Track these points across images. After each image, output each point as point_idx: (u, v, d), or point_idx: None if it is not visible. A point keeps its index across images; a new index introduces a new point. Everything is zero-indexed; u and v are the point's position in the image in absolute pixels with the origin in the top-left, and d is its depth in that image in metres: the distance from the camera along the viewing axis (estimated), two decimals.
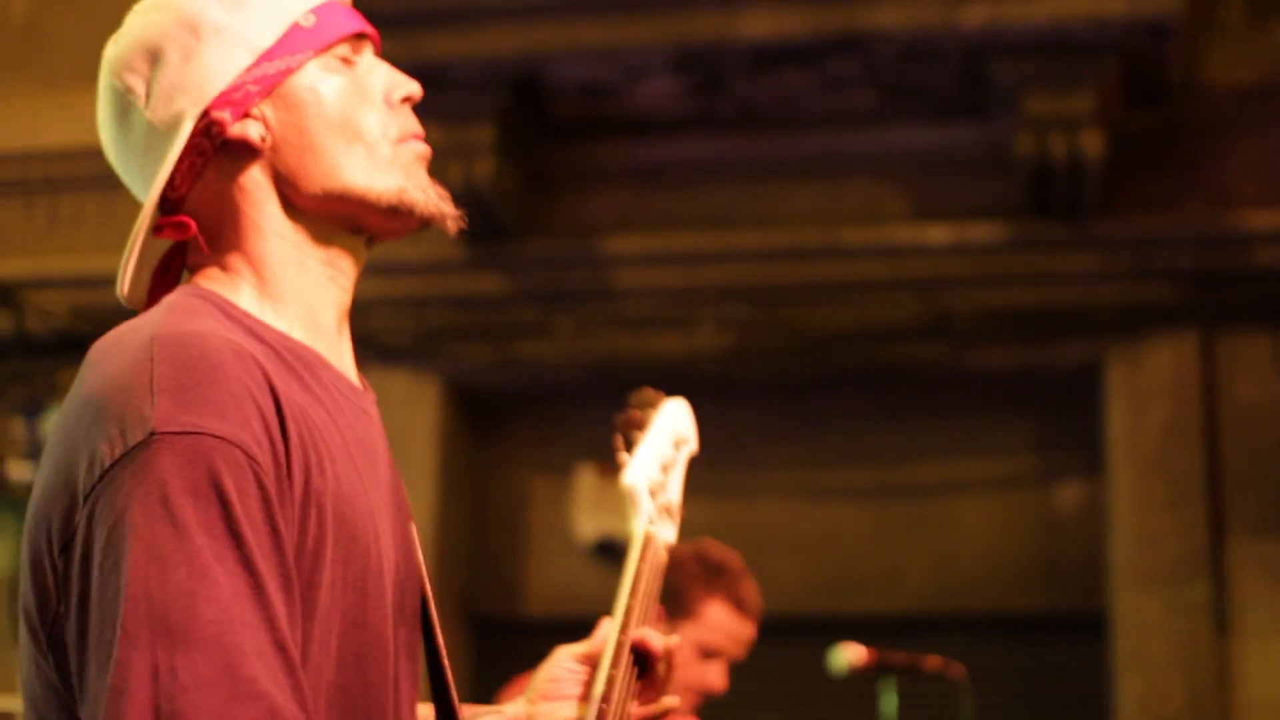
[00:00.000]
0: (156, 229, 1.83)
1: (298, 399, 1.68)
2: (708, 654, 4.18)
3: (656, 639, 2.07)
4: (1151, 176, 6.79)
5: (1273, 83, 6.80)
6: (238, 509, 1.53)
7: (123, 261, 1.82)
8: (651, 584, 2.15)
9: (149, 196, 1.81)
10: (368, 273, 6.65)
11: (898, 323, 6.96)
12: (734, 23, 6.51)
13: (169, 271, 1.88)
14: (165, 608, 1.48)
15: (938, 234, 6.90)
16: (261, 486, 1.56)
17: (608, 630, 2.08)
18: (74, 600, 1.56)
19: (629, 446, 2.28)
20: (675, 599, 4.14)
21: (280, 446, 1.61)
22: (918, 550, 7.26)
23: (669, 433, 2.33)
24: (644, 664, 2.07)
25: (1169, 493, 6.71)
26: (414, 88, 1.92)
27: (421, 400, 7.38)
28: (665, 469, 2.29)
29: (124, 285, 1.84)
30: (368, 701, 1.71)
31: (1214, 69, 6.89)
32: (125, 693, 1.46)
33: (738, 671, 6.95)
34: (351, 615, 1.69)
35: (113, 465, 1.54)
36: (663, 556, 2.22)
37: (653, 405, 2.35)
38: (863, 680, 5.23)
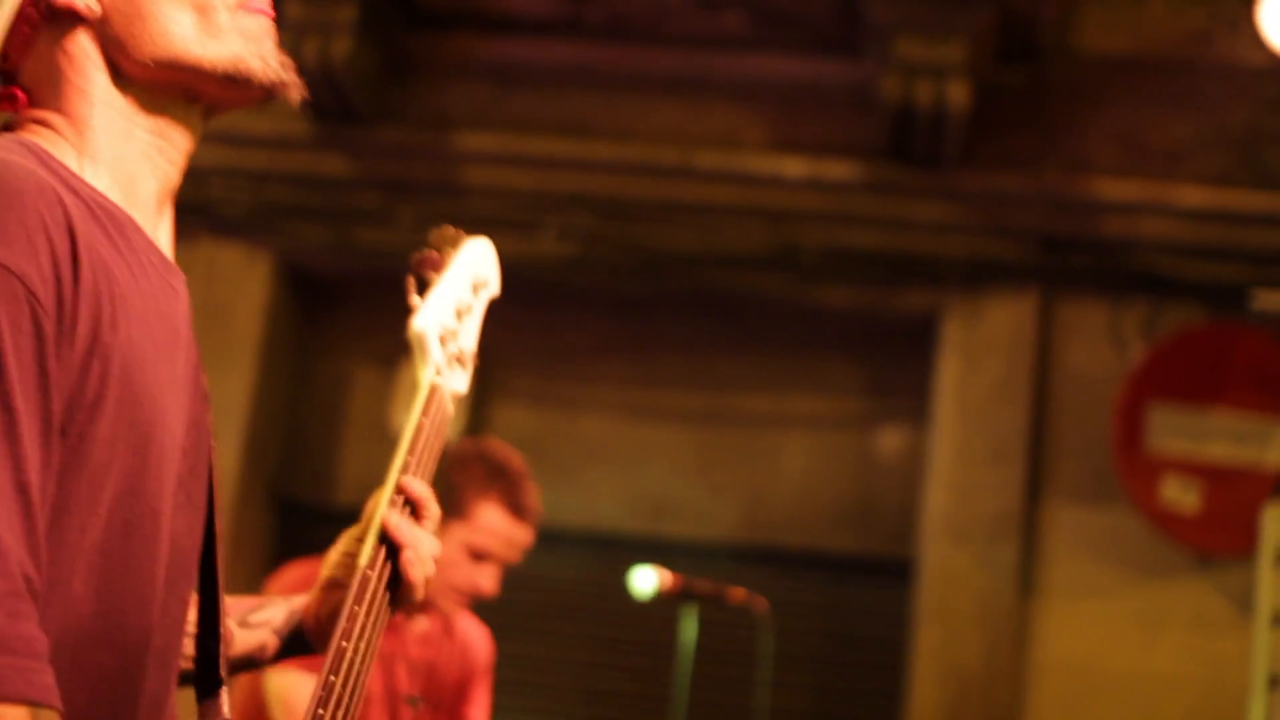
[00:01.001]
0: None
1: (100, 251, 1.61)
2: (478, 556, 4.10)
3: (414, 485, 2.00)
4: (1012, 134, 6.79)
5: (1144, 55, 6.81)
6: (5, 342, 1.46)
7: None
8: (434, 438, 2.06)
9: None
10: (209, 140, 6.45)
11: (745, 251, 6.92)
12: None
13: None
14: None
15: (794, 167, 6.85)
16: (37, 323, 1.49)
17: (379, 498, 2.01)
18: None
19: (422, 290, 2.16)
20: (449, 496, 4.04)
21: (69, 289, 1.54)
22: (736, 480, 7.25)
23: (468, 275, 2.22)
24: (415, 513, 2.01)
25: (990, 449, 6.75)
26: None
27: (251, 275, 7.23)
28: (460, 314, 2.18)
29: None
30: (130, 571, 1.64)
31: (1088, 35, 6.88)
32: None
33: (541, 581, 6.99)
34: (127, 481, 1.62)
35: None
36: (449, 408, 2.12)
37: (453, 244, 2.22)
38: (666, 604, 5.21)
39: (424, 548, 1.98)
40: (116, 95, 1.76)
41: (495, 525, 4.08)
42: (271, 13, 1.85)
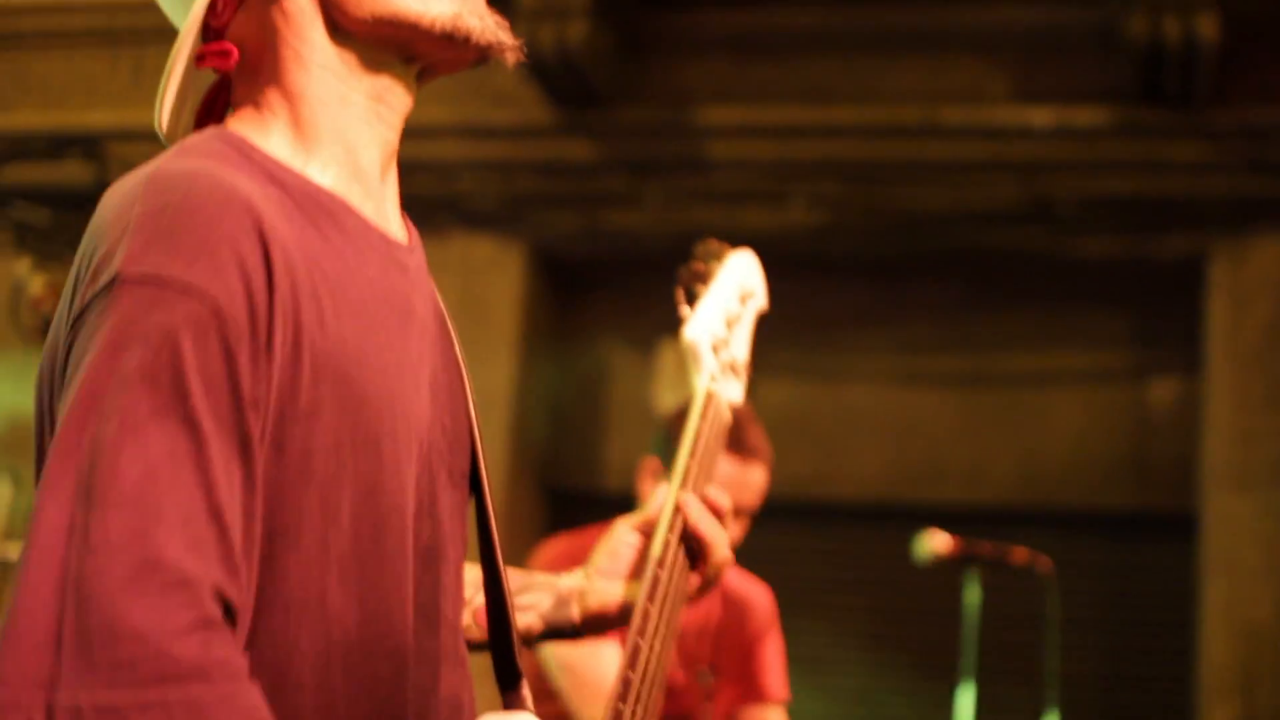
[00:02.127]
0: (198, 58, 1.73)
1: (309, 248, 1.58)
2: None
3: (719, 497, 2.00)
4: (1268, 65, 6.57)
5: None
6: (190, 363, 1.43)
7: (160, 92, 1.71)
8: (713, 444, 2.07)
9: (189, 20, 1.70)
10: (454, 134, 6.56)
11: (996, 207, 6.80)
12: None
13: (214, 110, 1.78)
14: (91, 460, 1.38)
15: (1041, 116, 6.71)
16: (225, 341, 1.45)
17: (665, 495, 2.00)
18: (49, 437, 1.50)
19: (692, 301, 2.17)
20: (666, 452, 4.01)
21: (262, 299, 1.49)
22: (1006, 441, 7.14)
23: (735, 286, 2.22)
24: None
25: (1268, 393, 6.55)
26: None
27: (505, 266, 7.30)
28: (730, 324, 2.19)
29: (161, 120, 1.73)
30: (386, 573, 1.61)
31: None
32: (36, 547, 1.37)
33: (817, 554, 6.95)
34: (364, 484, 1.59)
35: (83, 308, 1.47)
36: (726, 416, 2.13)
37: (718, 258, 2.24)
38: (947, 570, 5.14)
39: (724, 546, 1.99)
40: (333, 56, 1.72)
41: (722, 470, 4.04)
42: None
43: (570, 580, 2.04)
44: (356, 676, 1.58)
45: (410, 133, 6.35)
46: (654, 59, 7.14)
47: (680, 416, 4.10)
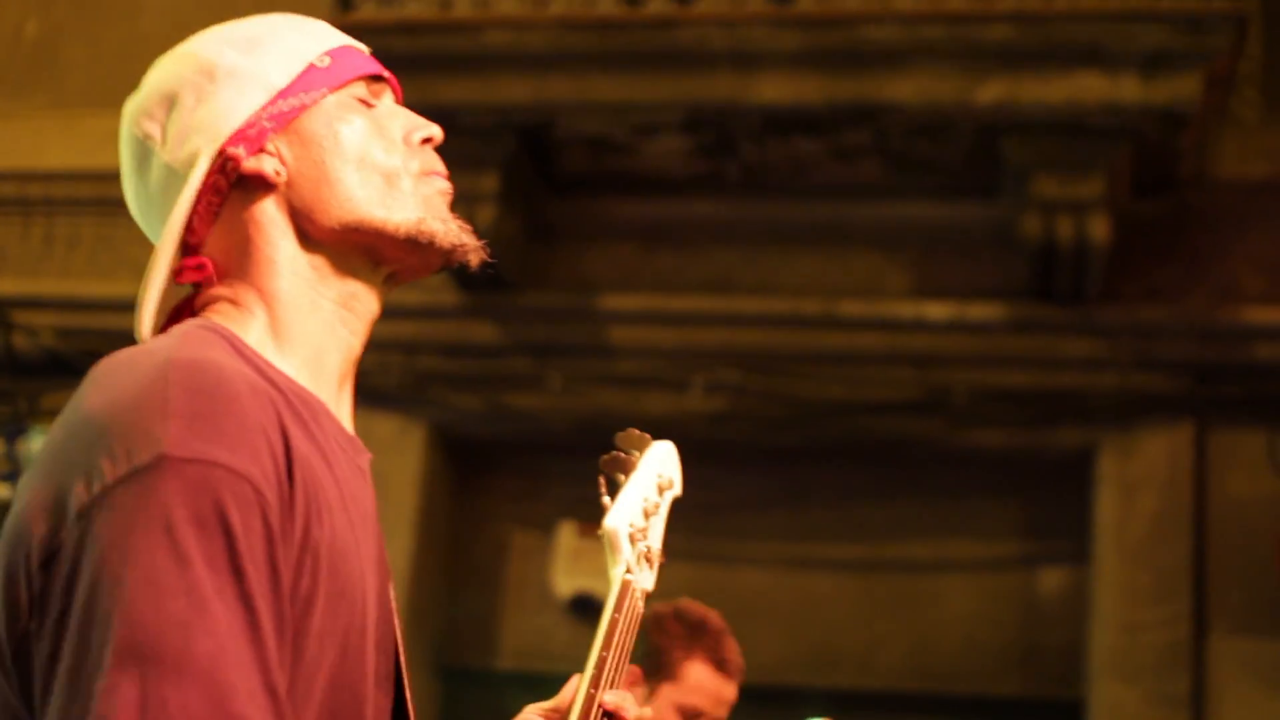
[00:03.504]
0: (175, 273, 1.81)
1: (302, 445, 1.63)
2: (689, 716, 4.09)
3: (628, 706, 1.99)
4: (1156, 265, 6.76)
5: None
6: (242, 544, 1.48)
7: (140, 302, 1.78)
8: (627, 634, 2.06)
9: (165, 236, 1.78)
10: None
11: (893, 397, 6.91)
12: (747, 86, 6.49)
13: (182, 313, 1.84)
14: (160, 637, 1.43)
15: (938, 310, 6.86)
16: (267, 524, 1.51)
17: (577, 685, 2.01)
18: (51, 618, 1.50)
19: (612, 490, 2.19)
20: (654, 659, 4.06)
21: (286, 488, 1.56)
22: (898, 628, 7.19)
23: (653, 476, 2.24)
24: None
25: (1154, 585, 6.65)
26: (435, 130, 1.89)
27: (406, 445, 7.33)
28: (648, 514, 2.20)
29: (142, 327, 1.80)
30: None
31: (1225, 162, 6.88)
32: (111, 718, 1.41)
33: None
34: (333, 671, 1.64)
35: (114, 484, 1.49)
36: (640, 606, 2.13)
37: (639, 447, 2.27)
38: None
39: None
40: (304, 263, 1.79)
41: (703, 683, 4.07)
42: (449, 182, 1.89)
43: None
44: None
45: None
46: (560, 245, 7.25)
47: (661, 617, 4.16)
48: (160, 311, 1.82)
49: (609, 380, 7.13)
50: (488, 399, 7.29)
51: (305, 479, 1.60)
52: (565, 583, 7.25)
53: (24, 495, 1.59)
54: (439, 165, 1.88)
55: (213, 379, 1.56)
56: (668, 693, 4.05)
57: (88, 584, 1.47)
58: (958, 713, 7.01)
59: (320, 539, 1.61)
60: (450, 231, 1.84)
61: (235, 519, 1.48)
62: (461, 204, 6.18)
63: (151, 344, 1.66)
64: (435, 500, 7.43)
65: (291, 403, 1.68)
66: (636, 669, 4.10)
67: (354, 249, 1.81)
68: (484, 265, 6.10)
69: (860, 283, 7.02)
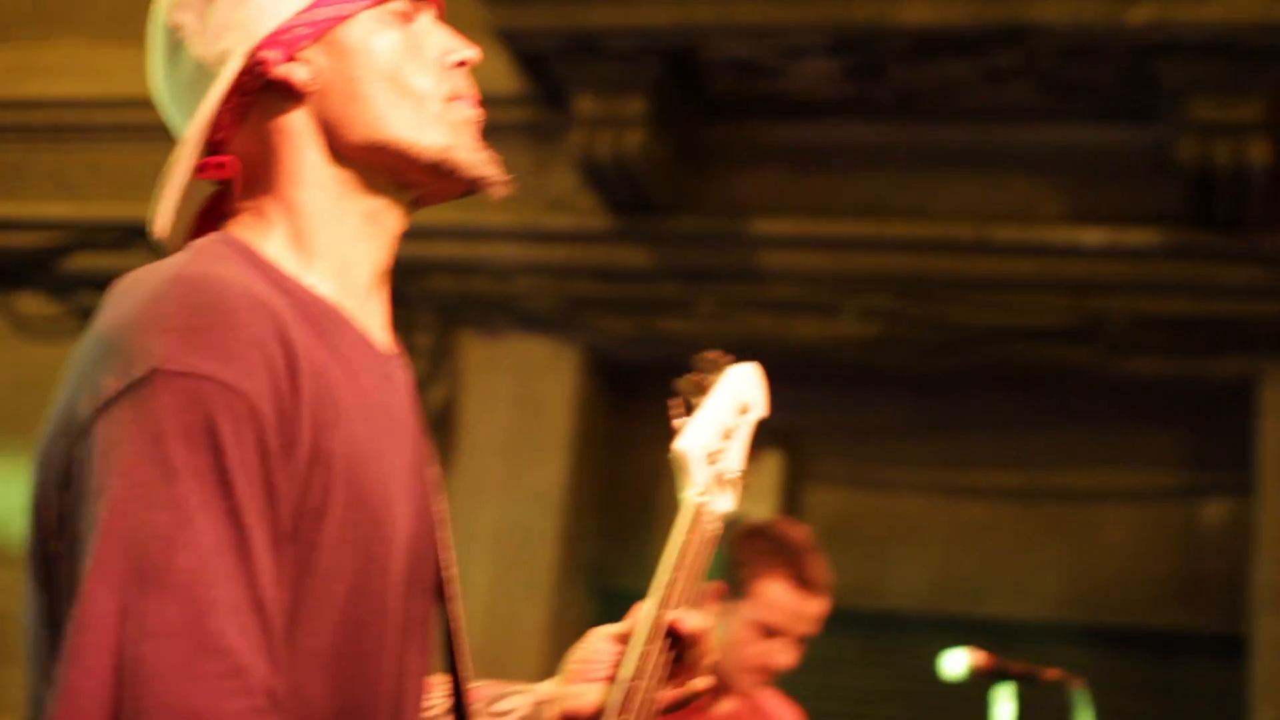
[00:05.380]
0: (198, 169, 1.80)
1: (315, 355, 1.64)
2: (768, 632, 4.08)
3: (688, 620, 1.97)
4: None
5: None
6: (232, 458, 1.49)
7: (160, 199, 1.78)
8: (698, 558, 2.04)
9: (189, 133, 1.78)
10: (511, 238, 6.65)
11: (1047, 324, 6.81)
12: (893, 8, 6.38)
13: (210, 217, 1.84)
14: (143, 549, 1.44)
15: (1093, 236, 6.74)
16: (260, 438, 1.52)
17: (644, 609, 1.99)
18: (69, 538, 1.52)
19: (689, 411, 2.17)
20: (734, 576, 4.06)
21: (288, 400, 1.56)
22: (1055, 557, 7.11)
23: (731, 398, 2.22)
24: (679, 644, 1.97)
25: None
26: (471, 53, 1.88)
27: (560, 369, 7.35)
28: (725, 435, 2.18)
29: (159, 223, 1.80)
30: (362, 669, 1.66)
31: None
32: (88, 629, 1.43)
33: (858, 664, 6.92)
34: (355, 581, 1.64)
35: (113, 398, 1.52)
36: (713, 529, 2.10)
37: (717, 369, 2.24)
38: (980, 685, 5.11)
39: (703, 667, 1.98)
40: (330, 175, 1.78)
41: (780, 600, 4.06)
42: (479, 107, 1.86)
43: (545, 687, 2.05)
44: None
45: (469, 235, 6.54)
46: (710, 169, 7.21)
47: (743, 535, 4.16)
48: (185, 209, 1.82)
49: (759, 305, 7.09)
50: (639, 323, 7.28)
51: (314, 389, 1.60)
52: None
53: (51, 417, 1.61)
54: (470, 90, 1.86)
55: (211, 294, 1.56)
56: (744, 610, 4.06)
57: (89, 499, 1.49)
58: (1114, 644, 6.92)
59: (333, 449, 1.61)
60: (475, 162, 1.83)
61: (226, 433, 1.49)
62: (610, 127, 6.19)
63: (165, 260, 1.66)
64: (589, 423, 7.45)
65: (309, 313, 1.68)
66: (715, 586, 4.10)
67: (379, 168, 1.80)
68: (633, 189, 6.08)
69: (1013, 207, 6.91)
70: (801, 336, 6.97)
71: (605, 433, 7.56)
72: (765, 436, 2.27)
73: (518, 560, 7.11)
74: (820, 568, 4.11)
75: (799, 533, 4.19)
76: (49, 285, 8.04)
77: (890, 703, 7.01)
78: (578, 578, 7.29)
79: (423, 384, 7.24)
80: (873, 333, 6.96)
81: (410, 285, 7.15)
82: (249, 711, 1.43)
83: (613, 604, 7.79)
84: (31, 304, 8.08)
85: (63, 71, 8.10)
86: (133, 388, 1.50)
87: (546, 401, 7.25)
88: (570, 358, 7.39)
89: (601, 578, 7.43)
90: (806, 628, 4.11)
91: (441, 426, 7.28)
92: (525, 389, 7.30)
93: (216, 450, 1.48)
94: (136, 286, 1.61)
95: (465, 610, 1.91)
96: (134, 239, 7.56)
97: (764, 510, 6.77)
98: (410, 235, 1.90)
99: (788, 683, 4.33)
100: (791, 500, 7.10)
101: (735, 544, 4.09)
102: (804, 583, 4.06)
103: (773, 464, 7.06)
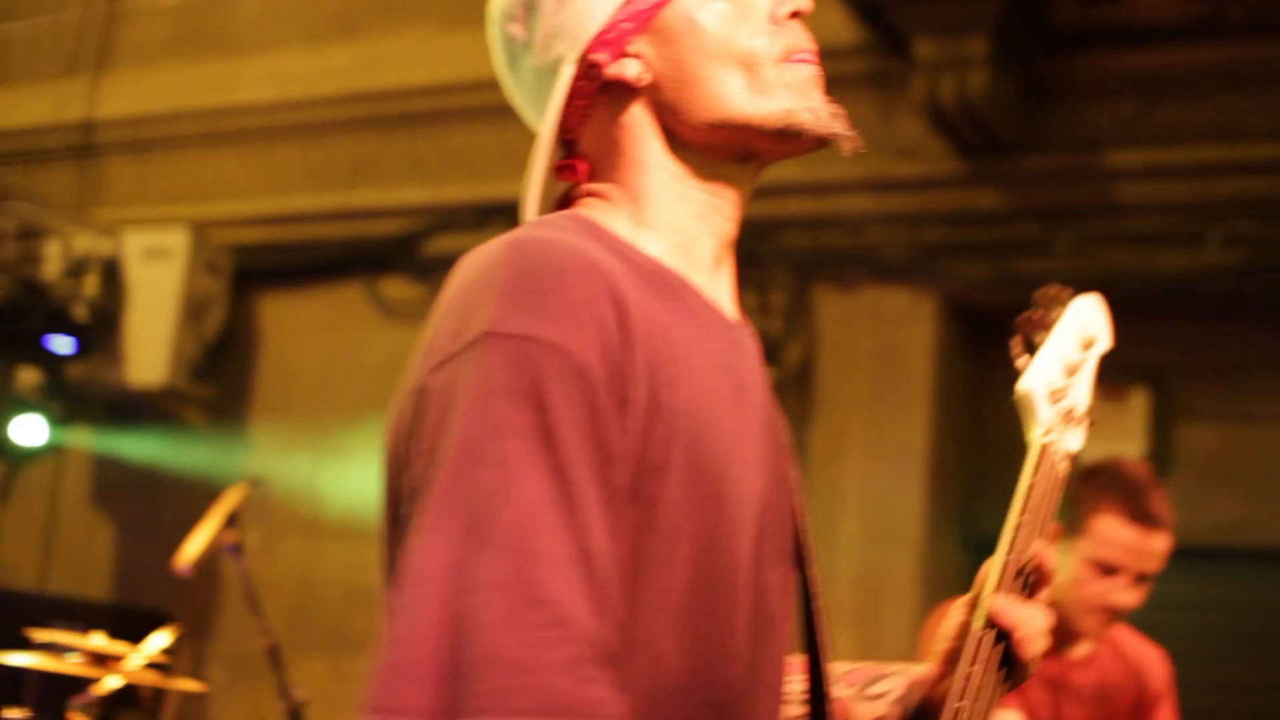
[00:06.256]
0: (556, 170, 1.86)
1: (658, 316, 1.66)
2: (1105, 569, 3.98)
3: (1049, 556, 1.92)
4: None
5: None
6: (557, 416, 1.51)
7: (526, 196, 1.84)
8: (1046, 498, 1.99)
9: (541, 138, 1.82)
10: (861, 189, 6.64)
11: None
12: None
13: (562, 206, 1.89)
14: (472, 505, 1.48)
15: None
16: (590, 397, 1.54)
17: (992, 561, 1.93)
18: (415, 498, 1.57)
19: (1031, 349, 2.11)
20: (1071, 514, 3.98)
21: (620, 358, 1.58)
22: None
23: (1075, 333, 2.14)
24: (1035, 584, 1.91)
25: None
26: (802, 2, 1.85)
27: (918, 318, 7.32)
28: (1070, 372, 2.11)
29: (526, 215, 1.85)
30: (714, 626, 1.67)
31: None
32: (423, 581, 1.48)
33: (1242, 603, 6.74)
34: (703, 538, 1.65)
35: (447, 359, 1.57)
36: (1061, 468, 2.04)
37: (1059, 303, 2.17)
38: None
39: (1034, 625, 1.87)
40: (671, 161, 1.80)
41: (1115, 535, 3.97)
42: (817, 60, 1.84)
43: (921, 669, 2.02)
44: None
45: (819, 189, 6.54)
46: (1058, 104, 7.07)
47: (1079, 474, 4.09)
48: (545, 203, 1.87)
49: (1119, 239, 6.95)
50: (996, 266, 7.20)
51: (651, 347, 1.62)
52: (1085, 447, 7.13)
53: (404, 381, 1.67)
54: (804, 42, 1.84)
55: (543, 256, 1.59)
56: (1080, 547, 3.99)
57: (425, 456, 1.55)
58: None
59: (674, 406, 1.63)
60: (820, 120, 1.80)
61: (554, 393, 1.52)
62: (953, 70, 6.12)
63: (512, 231, 1.70)
64: (951, 372, 7.40)
65: (650, 279, 1.71)
66: (1053, 527, 4.04)
67: (723, 146, 1.81)
68: (981, 131, 6.00)
69: None
70: (1165, 269, 6.81)
71: (967, 380, 7.51)
72: (1132, 374, 2.22)
73: (885, 515, 7.11)
74: (1159, 502, 4.01)
75: (1135, 468, 4.11)
76: (411, 269, 8.31)
77: (1274, 645, 6.83)
78: (947, 529, 7.25)
79: (780, 343, 7.30)
80: (1238, 260, 6.76)
81: (763, 244, 7.19)
82: (572, 661, 1.45)
83: (984, 553, 7.75)
84: (396, 288, 8.35)
85: (412, 60, 8.34)
86: (466, 349, 1.55)
87: (906, 352, 7.23)
88: (928, 306, 7.34)
89: (971, 527, 7.38)
90: (1146, 564, 4.02)
91: (800, 384, 7.31)
92: (884, 341, 7.28)
93: (542, 409, 1.51)
94: (478, 254, 1.66)
95: (835, 566, 1.93)
96: (491, 218, 7.78)
97: (1133, 450, 6.64)
98: (760, 194, 1.91)
99: (1161, 624, 4.25)
100: (1162, 438, 6.95)
101: (1074, 482, 4.02)
102: (1141, 517, 3.97)
103: (1140, 402, 6.92)
